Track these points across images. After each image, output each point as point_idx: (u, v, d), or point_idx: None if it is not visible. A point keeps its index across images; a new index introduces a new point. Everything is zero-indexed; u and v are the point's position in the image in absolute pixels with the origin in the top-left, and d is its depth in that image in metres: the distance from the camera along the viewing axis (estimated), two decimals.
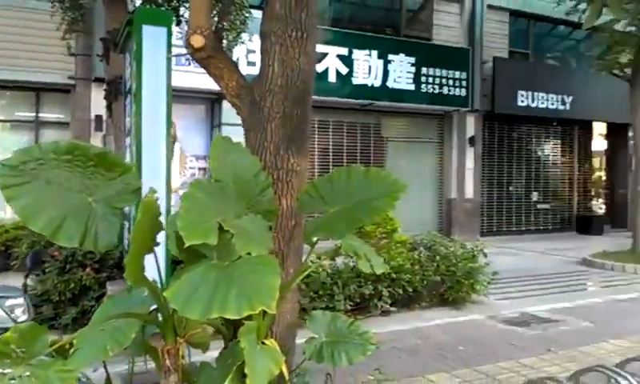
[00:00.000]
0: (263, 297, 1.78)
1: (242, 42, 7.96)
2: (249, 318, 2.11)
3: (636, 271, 9.66)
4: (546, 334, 5.79)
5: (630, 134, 13.95)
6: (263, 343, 2.23)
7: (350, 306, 6.04)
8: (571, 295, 7.82)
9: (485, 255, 7.07)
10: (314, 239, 2.48)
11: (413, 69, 12.44)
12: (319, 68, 11.36)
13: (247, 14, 7.29)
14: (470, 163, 14.00)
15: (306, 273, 2.81)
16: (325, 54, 11.44)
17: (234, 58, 9.74)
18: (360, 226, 2.57)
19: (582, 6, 10.52)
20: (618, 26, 10.87)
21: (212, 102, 11.05)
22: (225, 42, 7.50)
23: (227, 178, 2.40)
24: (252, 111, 2.79)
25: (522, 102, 14.06)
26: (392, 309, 6.31)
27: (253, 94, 2.80)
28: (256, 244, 2.01)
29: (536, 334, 5.79)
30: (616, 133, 16.72)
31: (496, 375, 4.44)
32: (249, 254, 1.96)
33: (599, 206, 17.11)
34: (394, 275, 6.26)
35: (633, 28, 10.77)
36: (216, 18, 6.52)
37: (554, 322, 6.27)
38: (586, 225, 16.16)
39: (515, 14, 14.74)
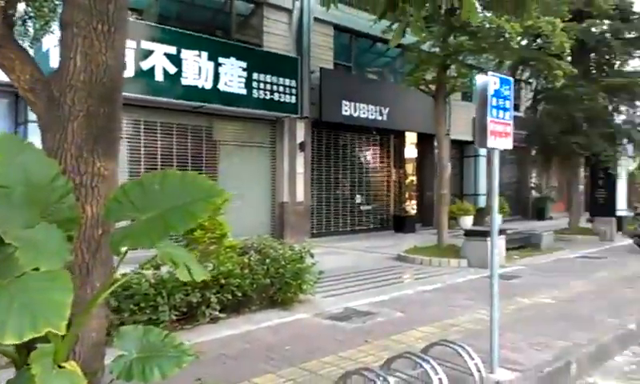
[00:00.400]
0: (50, 317, 1.58)
1: (52, 32, 7.13)
2: (46, 340, 1.87)
3: (440, 264, 10.98)
4: (365, 326, 6.23)
5: (436, 143, 15.81)
6: (61, 367, 2.00)
7: (176, 315, 5.81)
8: (387, 288, 8.56)
9: (312, 256, 7.36)
10: (123, 249, 2.30)
11: (244, 73, 12.51)
12: (145, 66, 10.78)
13: (57, 1, 6.55)
14: (300, 168, 14.54)
15: (117, 285, 2.59)
16: (151, 52, 10.89)
17: (44, 50, 8.74)
18: (174, 233, 2.45)
19: (395, 26, 11.66)
20: (425, 47, 12.29)
21: (16, 96, 9.74)
22: (31, 30, 6.65)
23: (15, 182, 2.10)
24: (49, 108, 2.49)
25: (346, 111, 15.07)
26: (221, 315, 6.22)
27: (50, 89, 2.50)
28: (47, 257, 1.78)
29: (356, 327, 6.20)
30: (425, 142, 18.87)
31: (319, 371, 4.64)
32: (37, 269, 1.72)
33: (412, 207, 19.12)
34: (222, 281, 6.18)
35: (437, 49, 12.24)
36: (14, 4, 5.72)
37: (371, 314, 6.78)
38: (401, 224, 17.95)
39: (339, 29, 15.75)
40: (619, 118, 18.94)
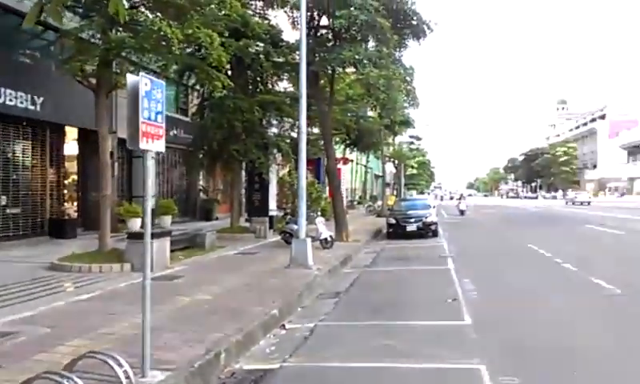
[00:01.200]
0: None
1: None
2: None
3: (101, 270, 10.32)
4: (1, 349, 5.30)
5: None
6: None
7: None
8: (34, 303, 7.54)
9: None
10: None
11: None
12: None
13: None
14: None
15: None
16: None
17: None
18: None
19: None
20: (86, 36, 11.27)
21: None
22: None
23: None
24: None
25: None
26: None
27: None
28: None
29: None
30: (88, 138, 17.43)
31: None
32: None
33: (73, 210, 17.46)
34: None
35: (100, 41, 11.40)
36: None
37: (10, 335, 5.82)
38: (60, 228, 16.18)
39: None
40: (271, 131, 21.80)
